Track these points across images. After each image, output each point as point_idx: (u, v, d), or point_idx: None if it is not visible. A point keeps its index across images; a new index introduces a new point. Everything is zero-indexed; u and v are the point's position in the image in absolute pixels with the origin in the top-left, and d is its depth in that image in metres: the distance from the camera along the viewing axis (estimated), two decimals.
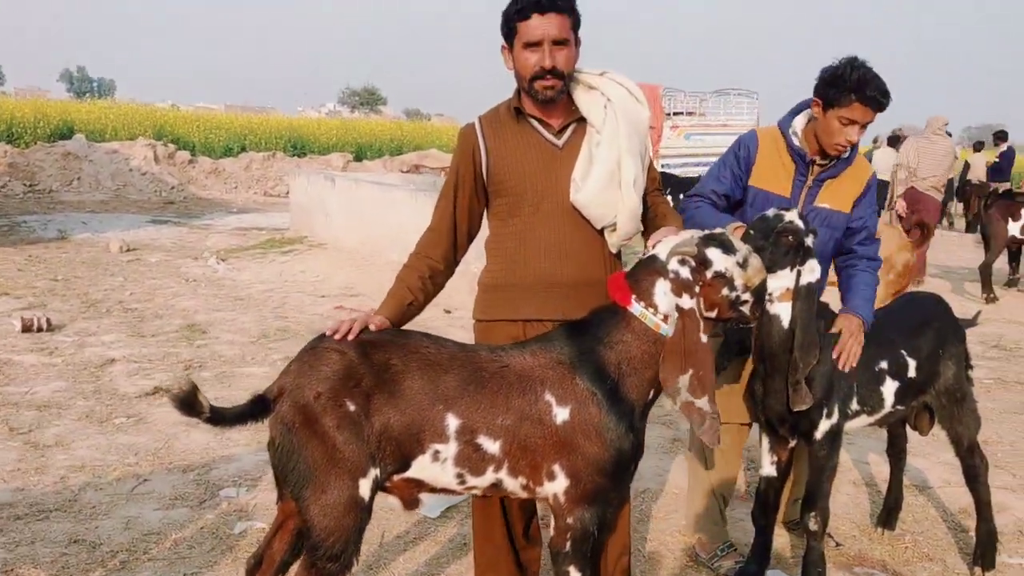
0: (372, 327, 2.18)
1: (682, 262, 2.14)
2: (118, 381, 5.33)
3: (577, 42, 2.34)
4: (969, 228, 17.26)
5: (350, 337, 2.11)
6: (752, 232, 2.48)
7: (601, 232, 2.40)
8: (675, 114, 16.16)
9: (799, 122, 2.85)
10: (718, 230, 2.25)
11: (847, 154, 2.82)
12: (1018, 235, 8.48)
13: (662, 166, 15.22)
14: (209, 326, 6.89)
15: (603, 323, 2.17)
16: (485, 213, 2.51)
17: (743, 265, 2.19)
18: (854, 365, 2.71)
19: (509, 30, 2.31)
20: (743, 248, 2.21)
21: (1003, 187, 11.14)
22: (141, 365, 5.69)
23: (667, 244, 2.20)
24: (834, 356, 2.69)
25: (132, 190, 17.83)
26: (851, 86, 2.58)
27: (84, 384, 5.26)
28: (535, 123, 2.39)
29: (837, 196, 2.85)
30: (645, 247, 2.30)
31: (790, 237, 2.45)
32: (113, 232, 11.91)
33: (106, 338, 6.36)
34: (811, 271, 2.51)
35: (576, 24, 2.31)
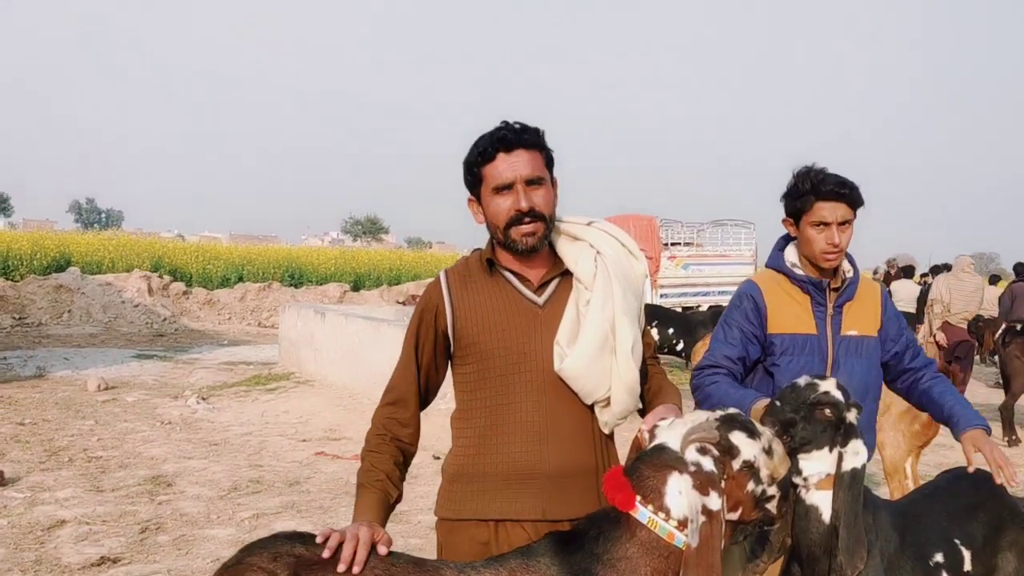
0: (381, 550, 1.68)
1: (703, 451, 1.70)
2: (63, 549, 4.76)
3: (553, 183, 2.02)
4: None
5: (355, 570, 1.60)
6: (779, 404, 2.05)
7: (591, 409, 1.98)
8: (672, 244, 16.10)
9: (791, 254, 2.63)
10: (732, 410, 1.82)
11: (849, 272, 2.60)
12: None
13: (660, 296, 14.98)
14: (176, 477, 6.34)
15: (601, 534, 1.71)
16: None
17: (768, 452, 1.76)
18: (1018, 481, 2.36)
19: (474, 179, 1.99)
20: (765, 431, 1.79)
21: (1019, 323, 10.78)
22: (92, 528, 5.12)
23: (676, 428, 1.77)
24: (996, 480, 2.33)
25: (123, 322, 17.52)
26: (807, 189, 2.49)
27: (25, 552, 4.69)
28: (511, 277, 2.02)
29: (861, 320, 2.59)
30: (640, 431, 1.87)
31: (827, 411, 2.02)
32: (94, 369, 11.49)
33: (60, 494, 5.80)
34: (855, 454, 2.06)
35: (549, 162, 2.01)
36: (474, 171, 1.98)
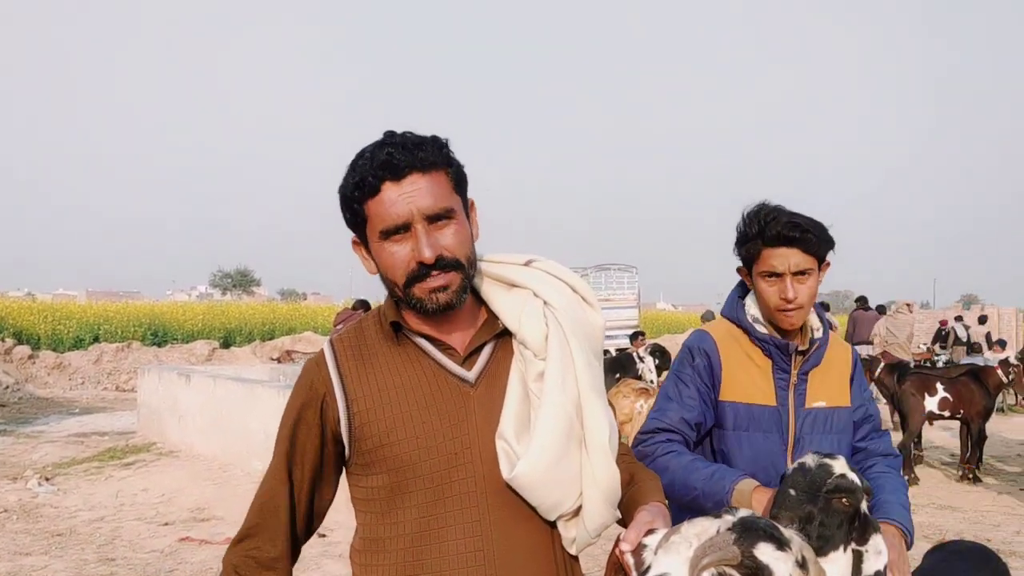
0: None
1: None
2: None
3: (469, 207, 1.50)
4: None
5: None
6: (793, 492, 1.62)
7: (552, 525, 1.46)
8: None
9: (752, 305, 2.17)
10: (744, 512, 1.36)
11: (819, 330, 2.16)
12: (936, 411, 8.15)
13: None
14: None
15: None
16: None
17: (803, 566, 1.31)
18: None
19: (355, 217, 1.44)
20: (793, 536, 1.34)
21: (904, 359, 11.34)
22: None
23: (677, 549, 1.29)
24: None
25: None
26: (754, 233, 2.07)
27: None
28: (426, 344, 1.47)
29: (830, 388, 2.15)
30: (619, 551, 1.38)
31: (844, 499, 1.60)
32: None
33: None
34: (877, 553, 1.64)
35: (459, 181, 1.46)
36: (353, 207, 1.44)
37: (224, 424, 8.53)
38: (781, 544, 1.28)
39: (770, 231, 2.03)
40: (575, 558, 1.51)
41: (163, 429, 9.86)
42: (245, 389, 8.48)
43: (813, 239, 2.01)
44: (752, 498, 1.78)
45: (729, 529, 1.29)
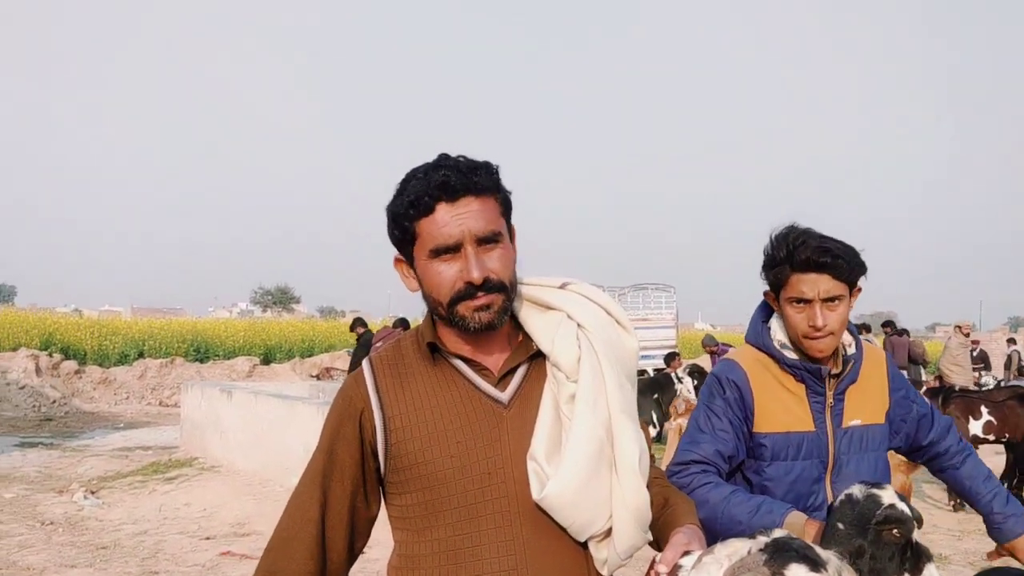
0: None
1: None
2: None
3: (512, 234, 1.55)
4: None
5: None
6: (841, 525, 1.61)
7: (584, 545, 1.48)
8: None
9: (779, 330, 2.10)
10: (779, 532, 1.37)
11: (851, 347, 2.09)
12: (980, 435, 7.98)
13: None
14: None
15: None
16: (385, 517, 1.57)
17: None
18: None
19: (403, 234, 1.49)
20: (831, 558, 1.34)
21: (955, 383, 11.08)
22: None
23: (709, 570, 1.31)
24: None
25: (7, 406, 16.06)
26: (782, 258, 2.00)
27: None
28: (462, 366, 1.51)
29: (867, 405, 2.10)
30: (655, 573, 1.39)
31: (895, 530, 1.59)
32: None
33: None
34: None
35: (506, 208, 1.52)
36: (403, 225, 1.48)
37: (265, 440, 8.64)
38: (815, 565, 1.28)
39: (799, 256, 1.97)
40: None
41: (205, 444, 10.00)
42: (286, 406, 8.59)
43: (844, 265, 1.95)
44: (804, 532, 1.72)
45: (761, 550, 1.30)
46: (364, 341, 12.68)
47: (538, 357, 1.53)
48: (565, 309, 1.54)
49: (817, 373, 2.03)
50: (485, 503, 1.44)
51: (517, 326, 1.55)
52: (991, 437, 8.10)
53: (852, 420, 2.07)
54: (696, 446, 2.05)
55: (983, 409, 8.02)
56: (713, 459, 2.01)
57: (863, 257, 2.01)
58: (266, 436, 8.62)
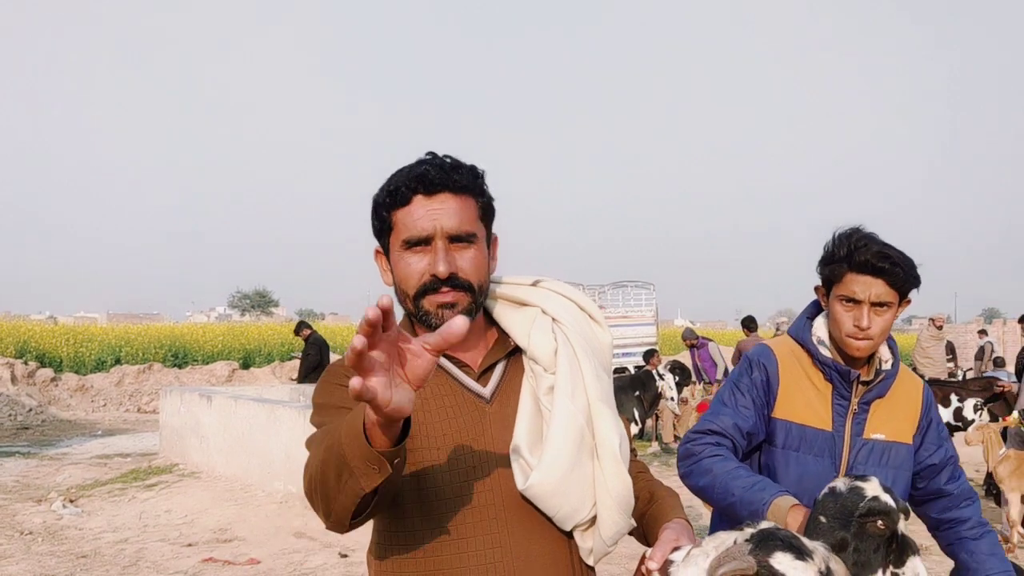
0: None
1: None
2: None
3: (491, 241, 1.57)
4: None
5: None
6: (823, 519, 1.63)
7: (569, 535, 1.50)
8: None
9: (820, 327, 2.16)
10: (765, 524, 1.39)
11: (888, 362, 2.13)
12: (952, 421, 8.09)
13: None
14: None
15: None
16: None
17: None
18: None
19: (382, 224, 1.51)
20: (818, 549, 1.35)
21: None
22: None
23: (696, 563, 1.32)
24: None
25: None
26: (842, 256, 2.05)
27: None
28: (444, 362, 1.52)
29: (893, 422, 2.12)
30: (646, 568, 1.41)
31: (880, 522, 1.61)
32: None
33: None
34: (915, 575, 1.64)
35: (487, 214, 1.54)
36: (382, 215, 1.50)
37: (246, 445, 8.58)
38: (800, 553, 1.29)
39: (859, 257, 2.02)
40: (592, 569, 1.54)
41: (185, 450, 9.92)
42: (266, 410, 8.53)
43: (900, 273, 1.99)
44: (788, 515, 1.75)
45: (747, 540, 1.32)
46: (313, 341, 12.50)
47: (516, 354, 1.55)
48: (539, 304, 1.57)
49: (847, 375, 2.07)
50: (470, 496, 1.45)
51: (492, 324, 1.58)
52: (961, 425, 8.21)
53: (875, 433, 2.10)
54: (716, 417, 2.11)
55: (953, 398, 8.14)
56: (731, 432, 2.07)
57: (919, 271, 2.04)
58: (247, 441, 8.56)
